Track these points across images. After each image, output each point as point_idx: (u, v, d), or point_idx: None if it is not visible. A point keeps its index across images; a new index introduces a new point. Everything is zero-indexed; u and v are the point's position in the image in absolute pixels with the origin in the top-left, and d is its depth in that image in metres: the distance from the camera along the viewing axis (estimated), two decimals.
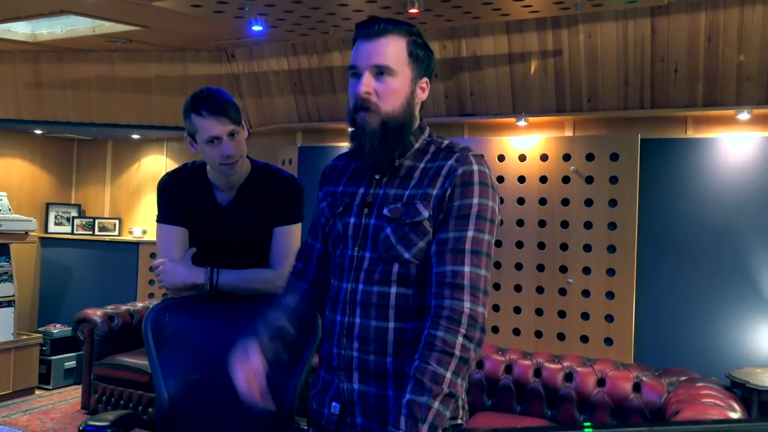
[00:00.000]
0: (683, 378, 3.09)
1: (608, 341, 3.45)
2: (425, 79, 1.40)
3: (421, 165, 1.38)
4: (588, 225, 3.50)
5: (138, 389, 3.92)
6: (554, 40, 3.53)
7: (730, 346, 3.27)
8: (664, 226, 3.41)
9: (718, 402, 2.71)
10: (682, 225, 3.38)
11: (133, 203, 5.39)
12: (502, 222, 1.45)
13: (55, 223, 5.34)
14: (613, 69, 3.47)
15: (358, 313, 1.37)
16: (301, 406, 2.02)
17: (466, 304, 1.26)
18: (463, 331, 1.25)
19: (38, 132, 5.11)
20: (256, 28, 3.08)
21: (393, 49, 1.34)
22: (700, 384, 2.97)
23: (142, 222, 5.26)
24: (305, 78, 4.34)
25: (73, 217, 5.36)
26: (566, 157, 3.56)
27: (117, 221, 5.35)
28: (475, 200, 1.31)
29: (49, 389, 4.66)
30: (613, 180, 3.45)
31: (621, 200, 3.43)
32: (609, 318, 3.45)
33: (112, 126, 4.71)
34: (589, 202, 3.50)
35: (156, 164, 5.31)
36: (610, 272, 3.44)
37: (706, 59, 3.27)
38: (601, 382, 3.18)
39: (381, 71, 1.34)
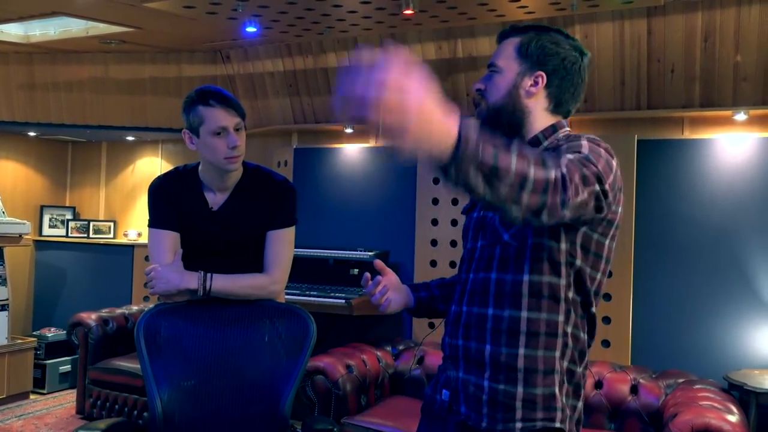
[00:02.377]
0: (681, 380, 3.08)
1: (605, 343, 3.43)
2: (539, 72, 1.39)
3: None
4: None
5: (133, 393, 3.89)
6: None
7: (728, 348, 3.26)
8: (661, 228, 3.40)
9: (715, 404, 2.70)
10: (679, 226, 3.37)
11: (128, 205, 5.36)
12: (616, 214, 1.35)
13: (50, 226, 5.31)
14: (610, 69, 3.45)
15: (465, 302, 1.41)
16: (296, 409, 2.00)
17: (564, 170, 1.14)
18: (554, 175, 1.11)
19: (32, 134, 5.07)
20: (250, 29, 3.06)
21: (503, 49, 1.43)
22: (697, 386, 2.96)
23: (137, 224, 5.23)
24: (300, 79, 4.31)
25: (68, 220, 5.32)
26: None
27: (112, 224, 5.32)
28: (585, 147, 1.27)
29: (43, 394, 4.63)
30: None
31: None
32: (606, 320, 3.43)
33: (107, 128, 4.68)
34: None
35: (151, 166, 5.29)
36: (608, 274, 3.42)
37: (703, 60, 3.25)
38: (598, 385, 3.16)
39: (491, 68, 1.44)
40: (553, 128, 1.42)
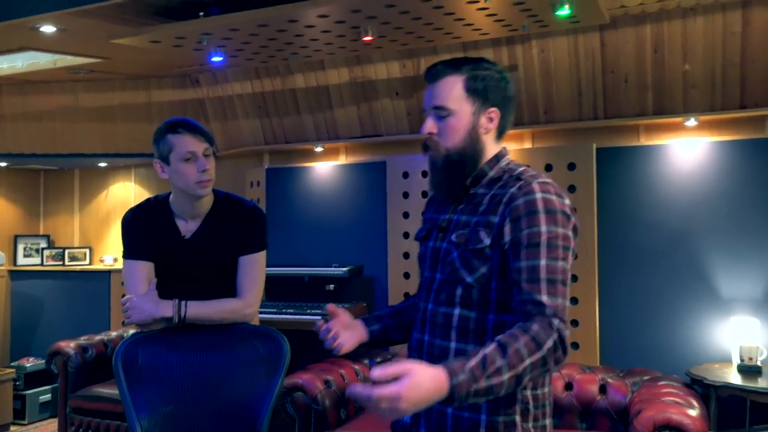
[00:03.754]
0: (646, 377, 3.19)
1: (575, 345, 3.55)
2: (492, 109, 1.45)
3: (491, 192, 1.44)
4: None
5: (115, 420, 3.90)
6: (509, 56, 3.64)
7: (690, 344, 3.39)
8: (622, 232, 3.53)
9: (677, 400, 2.81)
10: (639, 229, 3.50)
11: (103, 231, 5.37)
12: (576, 255, 1.44)
13: (24, 255, 5.30)
14: (567, 82, 3.59)
15: (428, 331, 1.46)
16: (277, 427, 2.07)
17: (555, 322, 1.28)
18: (554, 337, 1.27)
19: (2, 164, 5.07)
20: (216, 59, 3.14)
21: (448, 89, 1.44)
22: (661, 382, 3.07)
23: (113, 250, 5.24)
24: (269, 100, 4.39)
25: (43, 249, 5.32)
26: None
27: (87, 250, 5.32)
28: (543, 228, 1.34)
29: (24, 424, 4.61)
30: (572, 189, 3.56)
31: (580, 208, 3.54)
32: (574, 323, 3.55)
33: (78, 155, 4.71)
34: None
35: (125, 191, 5.31)
36: (573, 278, 3.55)
37: (654, 69, 3.40)
38: (568, 386, 3.27)
39: (440, 111, 1.45)
40: (497, 158, 1.49)
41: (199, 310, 2.04)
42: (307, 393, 3.28)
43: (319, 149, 4.33)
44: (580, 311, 3.53)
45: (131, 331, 2.87)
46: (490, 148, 1.48)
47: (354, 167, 4.26)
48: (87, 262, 5.28)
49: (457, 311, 1.42)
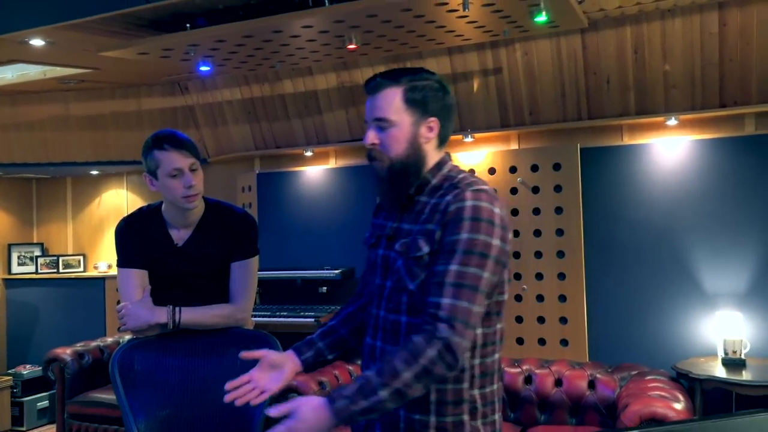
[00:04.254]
0: (633, 372, 3.26)
1: (564, 342, 3.62)
2: (432, 119, 1.48)
3: (433, 201, 1.47)
4: (537, 233, 3.67)
5: (113, 424, 3.95)
6: (494, 59, 3.70)
7: (676, 339, 3.46)
8: (607, 230, 3.60)
9: (663, 393, 2.89)
10: (624, 227, 3.57)
11: (96, 238, 5.41)
12: (504, 265, 1.47)
13: (19, 264, 5.33)
14: (550, 83, 3.65)
15: (380, 337, 1.50)
16: (266, 429, 2.11)
17: (442, 331, 1.32)
18: (437, 347, 1.32)
19: None
20: (204, 68, 3.19)
21: (388, 101, 1.47)
22: (648, 377, 3.14)
23: (107, 256, 5.28)
24: (258, 106, 4.44)
25: (37, 256, 5.35)
26: (513, 170, 3.74)
27: (81, 257, 5.36)
28: (464, 235, 1.37)
29: (23, 431, 4.65)
30: (558, 188, 3.63)
31: (566, 207, 3.61)
32: (563, 320, 3.62)
33: (70, 164, 4.75)
34: (536, 211, 3.68)
35: (117, 198, 5.35)
36: (561, 276, 3.62)
37: (635, 70, 3.47)
38: (558, 383, 3.33)
39: (381, 122, 1.48)
40: (438, 166, 1.53)
41: (193, 315, 2.08)
42: (301, 394, 3.33)
43: (308, 153, 4.39)
44: (568, 308, 3.60)
45: (127, 337, 2.91)
46: (432, 156, 1.51)
47: (344, 171, 4.31)
48: (81, 269, 5.31)
49: (404, 319, 1.45)
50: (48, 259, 5.32)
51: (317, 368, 1.73)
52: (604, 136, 3.67)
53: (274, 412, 1.35)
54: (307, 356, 1.65)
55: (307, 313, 3.89)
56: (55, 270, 5.27)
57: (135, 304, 2.06)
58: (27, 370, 4.80)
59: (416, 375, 1.31)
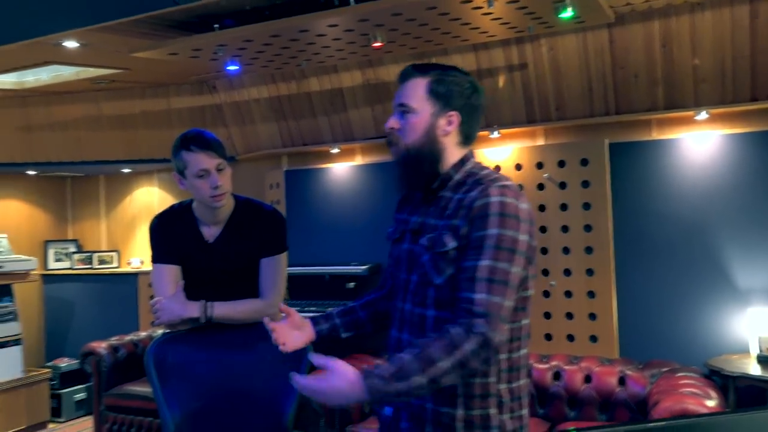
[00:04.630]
0: (665, 369, 3.24)
1: (593, 338, 3.60)
2: (452, 112, 1.51)
3: (457, 196, 1.49)
4: (565, 229, 3.66)
5: (147, 416, 4.05)
6: (519, 55, 3.69)
7: (709, 335, 3.42)
8: (637, 225, 3.57)
9: (695, 390, 2.86)
10: (654, 222, 3.54)
11: (129, 235, 5.53)
12: (531, 261, 1.49)
13: (55, 260, 5.48)
14: (577, 79, 3.63)
15: (406, 330, 1.52)
16: (304, 421, 2.16)
17: (479, 325, 1.34)
18: (474, 341, 1.34)
19: (31, 173, 5.25)
20: (232, 68, 3.24)
21: (413, 89, 1.52)
22: (680, 374, 3.11)
23: (140, 252, 5.39)
24: (285, 104, 4.49)
25: (72, 253, 5.49)
26: (539, 165, 3.72)
27: (115, 253, 5.48)
28: (492, 231, 1.39)
29: (61, 422, 4.79)
30: (585, 184, 3.60)
31: (594, 203, 3.59)
32: (592, 316, 3.59)
33: (102, 162, 4.86)
34: (564, 207, 3.66)
35: (148, 196, 5.46)
36: (590, 272, 3.59)
37: (663, 64, 3.43)
38: (587, 379, 3.32)
39: (403, 108, 1.52)
40: (462, 162, 1.55)
41: (224, 310, 2.13)
42: None
43: (335, 151, 4.42)
44: (597, 305, 3.58)
45: (160, 332, 2.99)
46: (453, 151, 1.54)
47: (370, 167, 4.34)
48: (115, 265, 5.44)
49: (430, 312, 1.47)
50: (83, 255, 5.46)
51: (330, 342, 1.79)
52: (632, 131, 3.63)
53: (316, 360, 1.40)
54: (322, 328, 1.71)
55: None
56: (89, 266, 5.40)
57: (168, 299, 2.12)
58: (65, 363, 4.94)
59: (453, 366, 1.33)
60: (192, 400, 2.13)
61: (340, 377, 1.35)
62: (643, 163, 3.56)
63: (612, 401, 3.25)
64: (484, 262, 1.38)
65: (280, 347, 1.64)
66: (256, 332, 2.19)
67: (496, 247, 1.39)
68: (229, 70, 3.30)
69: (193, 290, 2.15)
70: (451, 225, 1.45)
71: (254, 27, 2.79)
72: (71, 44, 3.23)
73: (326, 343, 1.74)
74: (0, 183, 5.19)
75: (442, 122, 1.51)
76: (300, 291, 4.33)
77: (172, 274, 2.18)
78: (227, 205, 2.19)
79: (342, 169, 4.43)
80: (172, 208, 2.29)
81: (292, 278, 4.24)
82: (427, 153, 1.51)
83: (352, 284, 4.16)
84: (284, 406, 2.14)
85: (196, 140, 2.10)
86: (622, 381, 3.26)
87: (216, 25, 2.89)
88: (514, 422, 1.50)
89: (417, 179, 1.54)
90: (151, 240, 2.24)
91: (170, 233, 2.21)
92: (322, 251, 4.39)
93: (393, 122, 1.54)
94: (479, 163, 1.57)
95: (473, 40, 3.28)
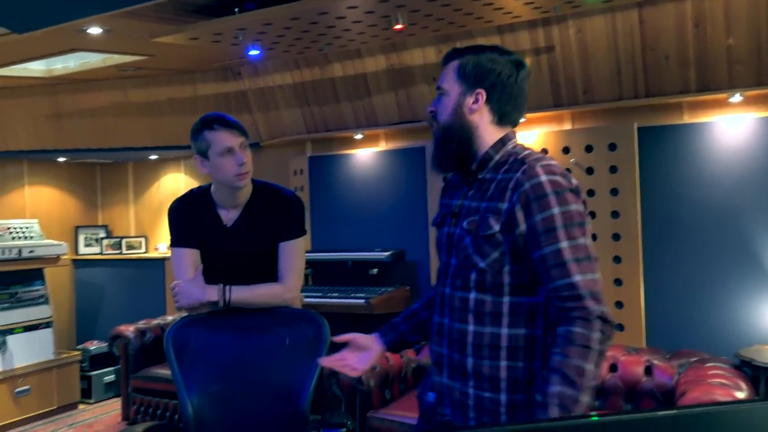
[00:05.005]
0: (693, 359, 3.15)
1: (619, 327, 3.52)
2: (479, 90, 1.50)
3: (498, 177, 1.47)
4: (592, 215, 3.57)
5: (173, 399, 4.10)
6: (545, 37, 3.60)
7: (740, 325, 3.32)
8: (666, 211, 3.47)
9: (725, 381, 2.77)
10: (684, 208, 3.44)
11: (156, 221, 5.60)
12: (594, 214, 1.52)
13: (85, 245, 5.58)
14: (605, 61, 3.53)
15: (447, 314, 1.51)
16: (323, 405, 2.15)
17: (593, 308, 1.34)
18: (598, 326, 1.34)
19: (61, 159, 5.34)
20: (253, 52, 3.23)
21: (448, 72, 1.55)
22: (709, 364, 3.02)
23: (166, 238, 5.43)
24: (309, 90, 4.48)
25: (102, 238, 5.59)
26: (566, 150, 3.64)
27: (143, 239, 5.56)
28: (556, 210, 1.38)
29: (91, 403, 4.90)
30: (613, 169, 3.52)
31: (622, 189, 3.50)
32: (619, 304, 3.52)
33: (130, 149, 4.92)
34: (591, 193, 3.57)
35: (175, 182, 5.52)
36: (617, 260, 3.52)
37: (695, 45, 3.31)
38: (613, 368, 3.25)
39: (439, 90, 1.57)
40: (502, 141, 1.52)
41: (242, 294, 2.13)
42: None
43: (359, 136, 4.40)
44: (624, 292, 3.50)
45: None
46: (489, 130, 1.51)
47: (394, 153, 4.31)
48: (143, 250, 5.52)
49: (472, 295, 1.46)
50: (112, 241, 5.55)
51: (402, 349, 1.86)
52: (663, 114, 3.52)
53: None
54: (391, 338, 1.73)
55: (357, 295, 3.92)
56: (118, 251, 5.49)
57: (187, 283, 2.13)
58: (94, 346, 5.04)
59: (596, 363, 1.33)
60: (210, 383, 2.14)
61: None
62: (673, 148, 3.45)
63: (638, 391, 3.18)
64: (563, 244, 1.37)
65: (351, 373, 1.67)
66: (274, 317, 2.20)
67: (565, 226, 1.38)
68: (250, 55, 3.29)
69: (211, 274, 2.16)
70: (495, 207, 1.43)
71: (273, 10, 2.77)
72: (95, 30, 3.25)
73: (398, 348, 1.79)
74: (31, 170, 5.30)
75: (468, 100, 1.51)
76: (323, 277, 4.34)
77: (191, 257, 2.19)
78: (246, 188, 2.19)
79: (366, 155, 4.40)
80: (190, 192, 2.30)
81: (315, 264, 4.24)
82: (457, 131, 1.51)
83: (374, 270, 4.14)
84: (302, 391, 2.13)
85: (218, 120, 2.11)
86: (648, 371, 3.18)
87: (236, 9, 2.89)
88: None
89: (447, 158, 1.54)
90: (170, 224, 2.25)
91: (189, 217, 2.21)
92: (345, 237, 4.38)
93: (431, 105, 1.58)
94: (521, 144, 1.54)
95: (497, 21, 3.21)
